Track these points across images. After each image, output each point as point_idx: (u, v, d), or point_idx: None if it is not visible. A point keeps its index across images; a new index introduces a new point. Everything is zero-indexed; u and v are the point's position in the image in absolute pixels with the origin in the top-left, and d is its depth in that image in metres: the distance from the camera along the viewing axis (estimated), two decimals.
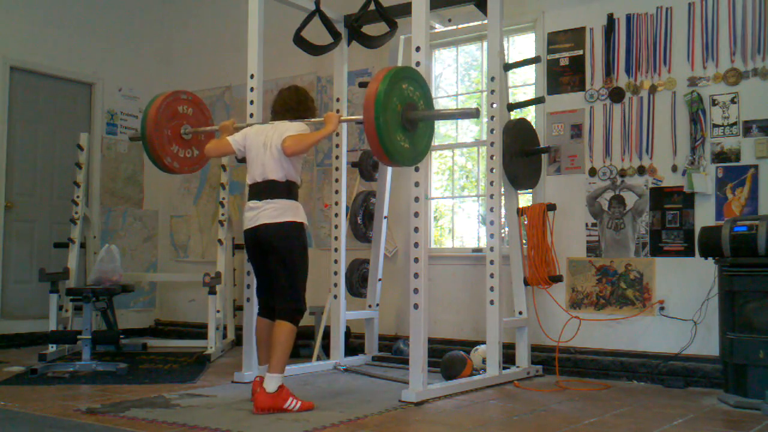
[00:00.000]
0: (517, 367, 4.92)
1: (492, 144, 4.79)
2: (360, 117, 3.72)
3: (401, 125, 3.74)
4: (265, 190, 3.89)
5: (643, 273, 4.92)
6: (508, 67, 5.03)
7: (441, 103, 6.14)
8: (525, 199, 5.40)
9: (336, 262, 5.32)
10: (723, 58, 4.73)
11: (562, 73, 5.29)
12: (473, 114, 3.84)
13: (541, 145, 5.21)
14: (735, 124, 4.66)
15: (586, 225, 5.15)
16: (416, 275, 4.01)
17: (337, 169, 5.37)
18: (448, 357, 4.79)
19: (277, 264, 3.88)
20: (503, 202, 4.91)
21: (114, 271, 5.42)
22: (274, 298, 3.94)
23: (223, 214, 6.27)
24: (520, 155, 4.99)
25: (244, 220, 3.98)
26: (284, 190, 3.89)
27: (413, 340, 4.02)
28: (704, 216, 4.69)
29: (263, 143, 3.93)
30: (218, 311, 5.87)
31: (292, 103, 4.10)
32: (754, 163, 4.59)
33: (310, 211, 6.52)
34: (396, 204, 5.78)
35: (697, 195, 4.74)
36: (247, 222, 3.95)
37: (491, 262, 4.71)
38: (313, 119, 4.11)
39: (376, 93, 3.61)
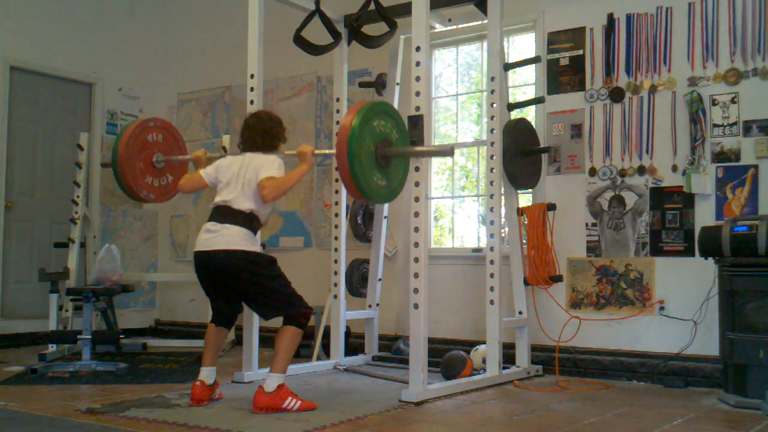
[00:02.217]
0: (517, 366, 4.92)
1: (492, 144, 4.79)
2: (333, 151, 3.70)
3: (376, 163, 3.71)
4: (226, 214, 3.79)
5: (643, 273, 4.91)
6: (508, 67, 5.03)
7: (441, 103, 6.14)
8: (525, 199, 5.40)
9: (336, 262, 5.32)
10: (723, 58, 4.73)
11: (562, 73, 5.29)
12: (448, 152, 3.88)
13: (541, 145, 5.21)
14: (735, 124, 4.66)
15: (586, 225, 5.15)
16: (416, 275, 4.01)
17: (337, 169, 5.37)
18: (448, 357, 4.79)
19: (254, 290, 3.80)
20: (503, 202, 4.91)
21: (114, 271, 5.42)
22: (272, 313, 3.90)
23: None
24: (520, 155, 4.99)
25: (197, 241, 3.84)
26: (246, 219, 3.78)
27: (413, 339, 4.02)
28: (704, 216, 4.69)
29: (236, 174, 3.84)
30: None
31: (258, 134, 3.97)
32: (754, 163, 4.59)
33: (310, 211, 6.52)
34: (396, 204, 5.76)
35: (697, 195, 4.73)
36: (200, 244, 3.80)
37: (491, 262, 4.71)
38: (287, 152, 4.04)
39: (347, 141, 3.54)
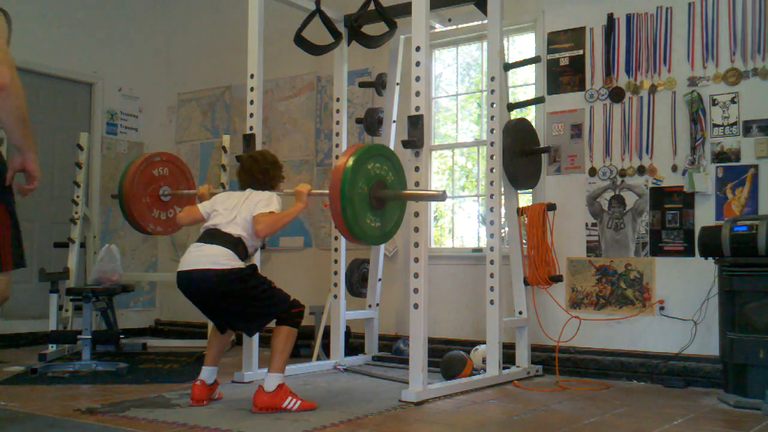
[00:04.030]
0: (517, 366, 4.92)
1: (492, 144, 4.79)
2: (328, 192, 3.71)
3: (369, 206, 3.71)
4: (213, 236, 3.77)
5: (643, 273, 4.91)
6: (508, 67, 5.03)
7: (441, 103, 6.14)
8: (525, 199, 5.40)
9: (336, 262, 5.32)
10: (723, 58, 4.73)
11: (562, 73, 5.29)
12: (441, 197, 3.89)
13: (541, 145, 5.21)
14: (735, 124, 4.66)
15: (586, 225, 5.15)
16: (416, 275, 4.01)
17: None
18: (448, 357, 4.79)
19: (237, 305, 3.77)
20: (503, 202, 4.91)
21: (114, 271, 5.42)
22: (266, 320, 3.89)
23: None
24: (520, 155, 4.99)
25: (181, 261, 3.81)
26: (231, 242, 3.74)
27: (413, 340, 4.02)
28: (704, 216, 4.69)
29: (232, 206, 3.85)
30: None
31: (257, 174, 3.98)
32: (754, 163, 4.59)
33: (310, 211, 6.52)
34: None
35: (697, 195, 4.74)
36: (182, 264, 3.77)
37: (491, 262, 4.71)
38: (285, 191, 4.05)
39: (340, 185, 3.55)
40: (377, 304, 5.62)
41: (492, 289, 4.68)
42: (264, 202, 3.83)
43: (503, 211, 4.94)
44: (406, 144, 4.07)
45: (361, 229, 3.69)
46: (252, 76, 4.72)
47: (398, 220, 3.98)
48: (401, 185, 3.94)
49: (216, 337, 3.98)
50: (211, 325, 4.11)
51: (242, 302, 3.77)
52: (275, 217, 3.79)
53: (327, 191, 3.72)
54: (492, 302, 4.67)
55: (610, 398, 4.26)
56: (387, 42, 5.46)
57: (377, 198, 3.75)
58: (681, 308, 4.75)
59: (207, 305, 3.87)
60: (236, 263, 3.73)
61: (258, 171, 4.00)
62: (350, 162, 3.62)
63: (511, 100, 5.15)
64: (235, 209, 3.84)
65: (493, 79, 4.84)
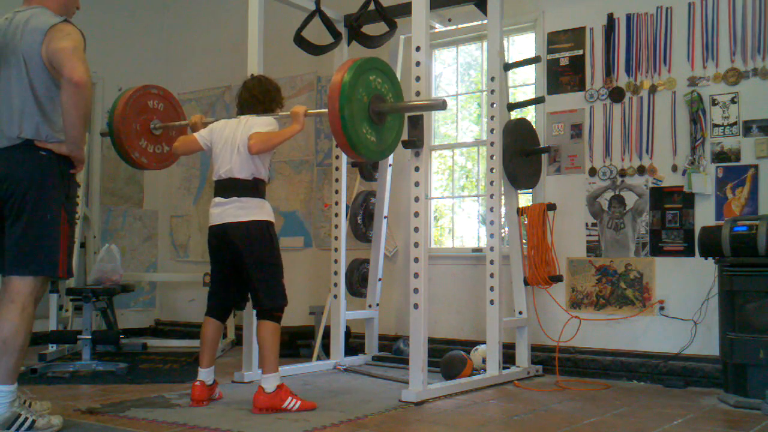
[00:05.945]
0: (517, 366, 4.93)
1: (492, 144, 4.79)
2: (327, 110, 3.68)
3: (368, 117, 3.72)
4: (231, 187, 3.81)
5: (643, 273, 4.91)
6: (508, 66, 5.03)
7: None
8: (525, 199, 5.40)
9: (336, 262, 5.32)
10: (723, 58, 4.73)
11: (562, 73, 5.29)
12: (441, 106, 3.87)
13: (541, 145, 5.21)
14: (735, 124, 4.66)
15: (586, 225, 5.15)
16: (416, 275, 4.01)
17: (337, 169, 5.37)
18: (448, 357, 4.79)
19: (247, 265, 3.80)
20: (503, 202, 4.91)
21: (114, 271, 5.42)
22: (254, 298, 3.90)
23: None
24: (520, 155, 4.99)
25: (210, 216, 3.89)
26: (250, 187, 3.81)
27: (413, 340, 4.02)
28: (704, 216, 4.69)
29: (230, 139, 3.85)
30: None
31: (258, 96, 3.99)
32: (754, 163, 4.59)
33: (310, 211, 6.52)
34: (396, 204, 5.78)
35: (697, 195, 4.73)
36: (213, 219, 3.86)
37: (491, 262, 4.71)
38: (281, 113, 4.05)
39: (340, 83, 3.58)
40: (377, 304, 5.62)
41: (492, 289, 4.68)
42: (259, 124, 3.84)
43: (503, 211, 4.94)
44: (406, 144, 4.07)
45: (358, 137, 3.67)
46: (252, 76, 4.72)
47: (395, 139, 3.99)
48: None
49: (208, 330, 3.94)
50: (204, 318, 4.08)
51: (259, 267, 3.78)
52: (269, 134, 3.80)
53: (325, 110, 3.68)
54: (492, 302, 4.67)
55: (610, 398, 4.26)
56: (387, 42, 5.46)
57: (376, 112, 3.75)
58: (681, 308, 4.75)
59: (231, 260, 3.85)
60: (266, 214, 3.81)
61: (260, 91, 4.00)
62: (352, 68, 3.63)
63: (511, 100, 5.16)
64: (235, 143, 3.82)
65: (493, 79, 4.84)
